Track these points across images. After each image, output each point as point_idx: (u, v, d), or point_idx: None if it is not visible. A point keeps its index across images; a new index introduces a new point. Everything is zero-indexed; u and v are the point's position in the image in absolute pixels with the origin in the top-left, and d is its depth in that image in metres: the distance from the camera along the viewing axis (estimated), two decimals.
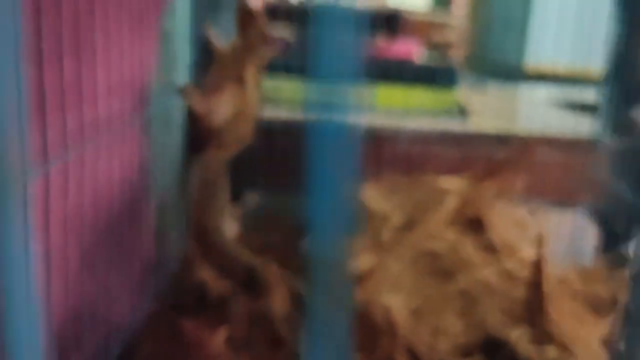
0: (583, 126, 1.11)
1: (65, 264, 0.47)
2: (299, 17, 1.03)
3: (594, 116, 1.12)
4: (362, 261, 0.84)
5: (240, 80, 0.77)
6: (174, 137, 0.76)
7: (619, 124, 1.09)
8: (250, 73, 0.78)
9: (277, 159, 1.04)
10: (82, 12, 0.48)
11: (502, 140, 1.06)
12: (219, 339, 0.65)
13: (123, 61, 0.57)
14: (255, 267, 0.72)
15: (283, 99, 1.06)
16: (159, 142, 0.70)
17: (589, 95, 1.10)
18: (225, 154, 0.77)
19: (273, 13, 0.99)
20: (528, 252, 0.87)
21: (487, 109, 1.03)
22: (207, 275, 0.71)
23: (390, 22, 1.09)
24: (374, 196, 0.95)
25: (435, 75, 1.05)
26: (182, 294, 0.72)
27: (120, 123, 0.56)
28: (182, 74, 0.78)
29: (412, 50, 1.13)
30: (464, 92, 1.13)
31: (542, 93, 1.14)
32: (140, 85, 0.62)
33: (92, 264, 0.52)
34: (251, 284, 0.70)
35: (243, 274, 0.71)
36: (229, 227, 0.74)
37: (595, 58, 1.01)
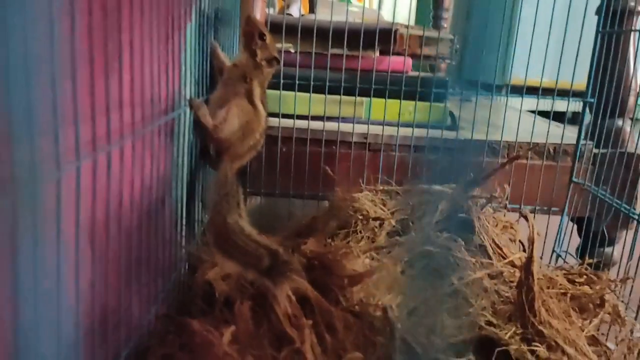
0: (567, 135, 1.15)
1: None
2: (300, 31, 1.06)
3: (578, 126, 1.17)
4: (360, 263, 0.86)
5: (247, 94, 0.80)
6: (183, 148, 0.78)
7: (601, 133, 1.14)
8: (257, 86, 0.81)
9: (277, 166, 1.08)
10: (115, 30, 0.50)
11: (490, 148, 1.10)
12: (225, 338, 0.66)
13: (147, 73, 0.59)
14: (277, 250, 0.74)
15: (284, 109, 1.09)
16: (171, 153, 0.72)
17: (573, 106, 1.15)
18: (236, 164, 0.80)
19: (275, 26, 1.02)
20: (517, 254, 0.91)
21: (475, 118, 1.07)
22: (214, 275, 0.72)
23: (386, 36, 1.12)
24: (371, 201, 0.98)
25: (428, 88, 1.09)
26: (190, 295, 0.73)
27: (140, 132, 0.58)
28: (190, 87, 0.80)
29: (407, 63, 1.17)
30: (454, 103, 1.17)
31: (528, 104, 1.18)
32: (161, 97, 0.64)
33: (108, 269, 0.54)
34: (275, 269, 0.72)
35: (265, 260, 0.73)
36: (245, 223, 0.76)
37: (579, 72, 1.06)
